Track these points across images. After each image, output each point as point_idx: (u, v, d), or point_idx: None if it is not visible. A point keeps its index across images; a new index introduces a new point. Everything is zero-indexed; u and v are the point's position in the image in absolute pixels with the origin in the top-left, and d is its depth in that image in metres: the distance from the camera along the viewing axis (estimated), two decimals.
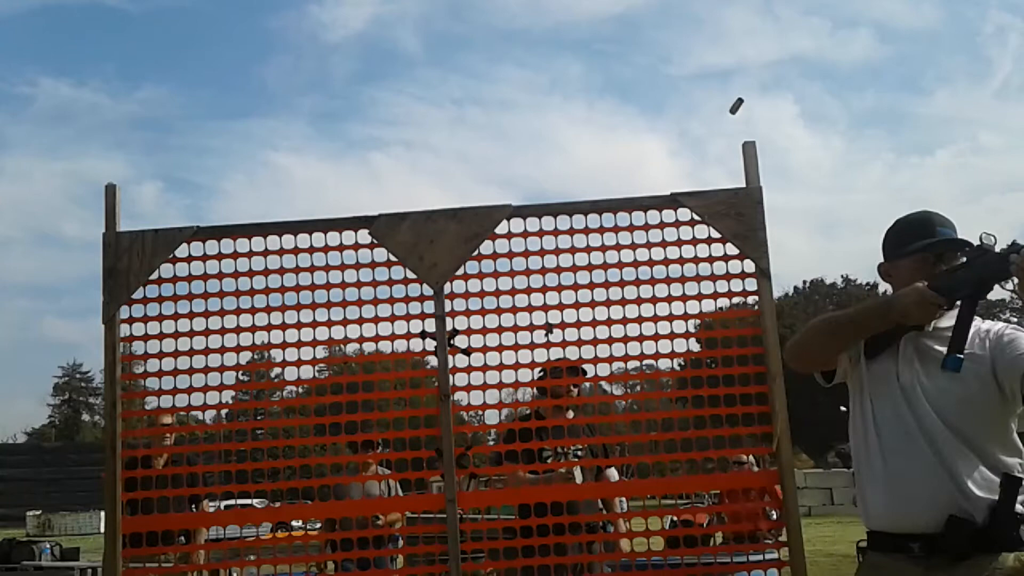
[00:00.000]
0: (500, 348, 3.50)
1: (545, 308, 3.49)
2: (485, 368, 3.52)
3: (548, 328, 3.52)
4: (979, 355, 2.05)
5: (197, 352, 3.52)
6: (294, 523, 4.89)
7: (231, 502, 11.98)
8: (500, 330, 3.50)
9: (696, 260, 3.46)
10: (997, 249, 2.04)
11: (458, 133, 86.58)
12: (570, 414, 4.22)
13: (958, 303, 2.06)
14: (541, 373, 3.72)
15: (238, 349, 3.53)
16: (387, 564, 3.85)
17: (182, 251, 3.54)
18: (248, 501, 10.85)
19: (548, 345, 3.54)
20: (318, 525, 4.79)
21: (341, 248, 3.57)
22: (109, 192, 3.57)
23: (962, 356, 1.95)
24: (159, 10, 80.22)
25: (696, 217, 3.46)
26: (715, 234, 3.44)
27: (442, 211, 3.55)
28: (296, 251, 3.55)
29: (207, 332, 3.53)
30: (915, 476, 2.03)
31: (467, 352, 3.49)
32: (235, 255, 3.56)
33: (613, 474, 4.69)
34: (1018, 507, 1.97)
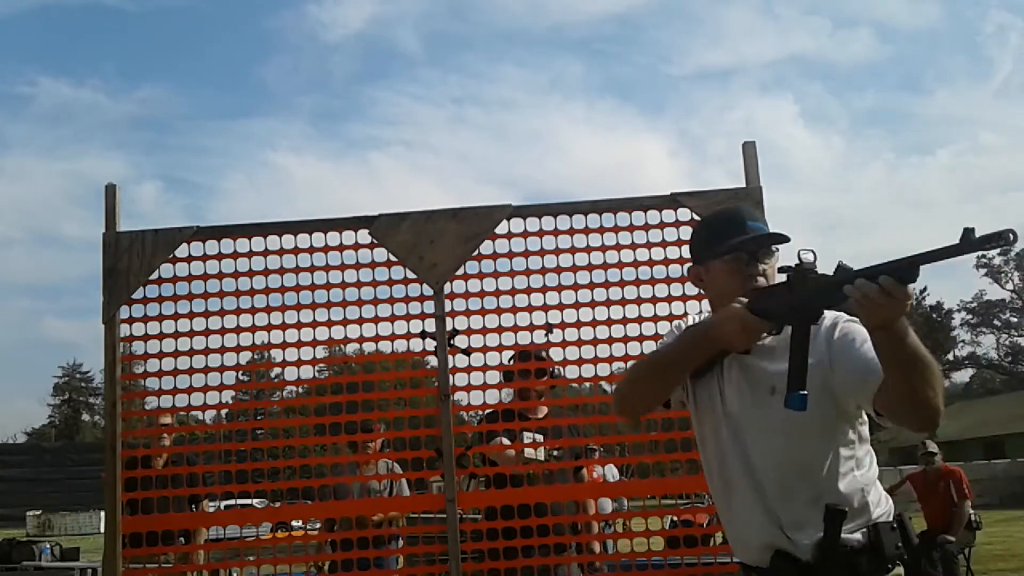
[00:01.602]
0: (500, 348, 3.50)
1: (545, 308, 3.49)
2: (485, 368, 3.52)
3: (548, 328, 3.52)
4: (810, 364, 1.75)
5: (197, 352, 3.52)
6: (294, 523, 4.90)
7: (231, 502, 11.97)
8: (500, 330, 3.50)
9: None
10: (817, 267, 1.76)
11: (458, 133, 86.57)
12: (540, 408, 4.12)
13: (786, 328, 1.81)
14: (511, 358, 3.66)
15: (238, 349, 3.54)
16: (387, 564, 3.84)
17: (182, 251, 3.54)
18: (248, 501, 10.85)
19: (548, 345, 3.54)
20: (318, 525, 4.79)
21: (341, 248, 3.57)
22: (109, 192, 3.57)
23: (806, 392, 1.70)
24: (159, 10, 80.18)
25: (696, 217, 3.46)
26: None
27: (442, 211, 3.55)
28: (296, 251, 3.55)
29: (207, 332, 3.53)
30: (741, 515, 1.91)
31: (467, 352, 3.49)
32: (235, 255, 3.56)
33: (613, 471, 4.65)
34: (853, 536, 1.81)
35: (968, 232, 1.43)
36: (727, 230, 1.94)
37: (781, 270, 1.83)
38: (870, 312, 1.56)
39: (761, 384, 1.87)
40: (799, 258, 1.77)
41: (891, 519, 1.87)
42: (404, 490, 4.64)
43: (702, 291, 2.04)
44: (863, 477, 1.88)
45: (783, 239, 1.93)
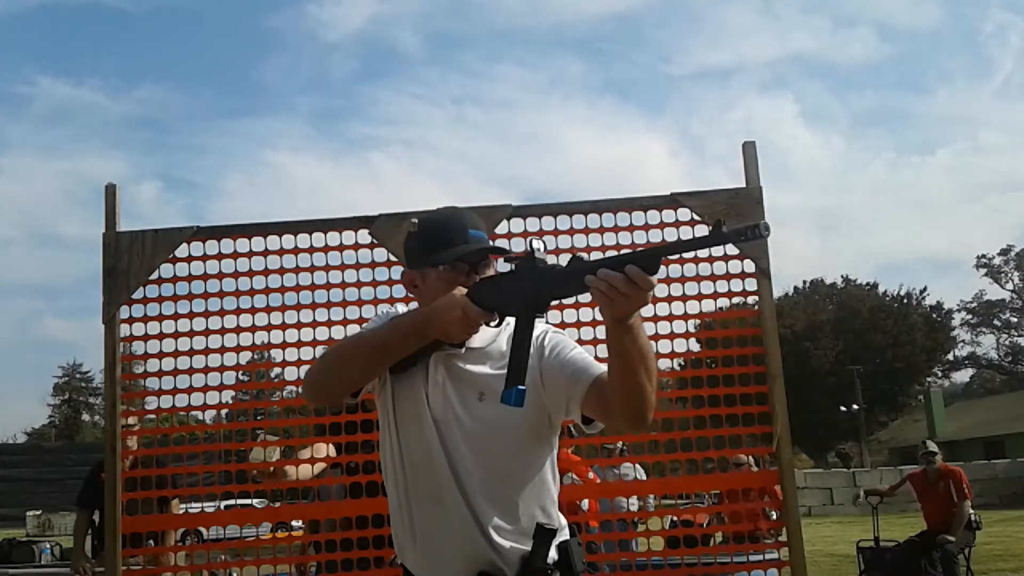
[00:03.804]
0: None
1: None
2: None
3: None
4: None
5: (197, 352, 3.52)
6: (294, 523, 4.89)
7: (231, 502, 11.97)
8: None
9: (696, 260, 3.47)
10: (548, 260, 1.70)
11: (458, 133, 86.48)
12: None
13: (507, 320, 1.76)
14: None
15: (238, 349, 3.54)
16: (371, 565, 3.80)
17: (182, 251, 3.54)
18: (248, 501, 10.84)
19: None
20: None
21: (341, 248, 3.57)
22: (109, 192, 3.57)
23: (524, 388, 1.62)
24: (158, 10, 79.96)
25: (696, 217, 3.46)
26: None
27: None
28: (296, 251, 3.55)
29: (207, 332, 3.53)
30: (445, 529, 1.78)
31: None
32: (235, 255, 3.56)
33: (640, 471, 4.52)
34: (550, 553, 1.77)
35: (718, 223, 1.40)
36: (448, 238, 1.85)
37: (507, 260, 1.77)
38: (613, 302, 1.53)
39: (468, 388, 1.80)
40: (530, 247, 1.70)
41: (570, 536, 1.84)
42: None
43: (413, 297, 1.94)
44: (556, 492, 1.86)
45: (503, 252, 1.86)
